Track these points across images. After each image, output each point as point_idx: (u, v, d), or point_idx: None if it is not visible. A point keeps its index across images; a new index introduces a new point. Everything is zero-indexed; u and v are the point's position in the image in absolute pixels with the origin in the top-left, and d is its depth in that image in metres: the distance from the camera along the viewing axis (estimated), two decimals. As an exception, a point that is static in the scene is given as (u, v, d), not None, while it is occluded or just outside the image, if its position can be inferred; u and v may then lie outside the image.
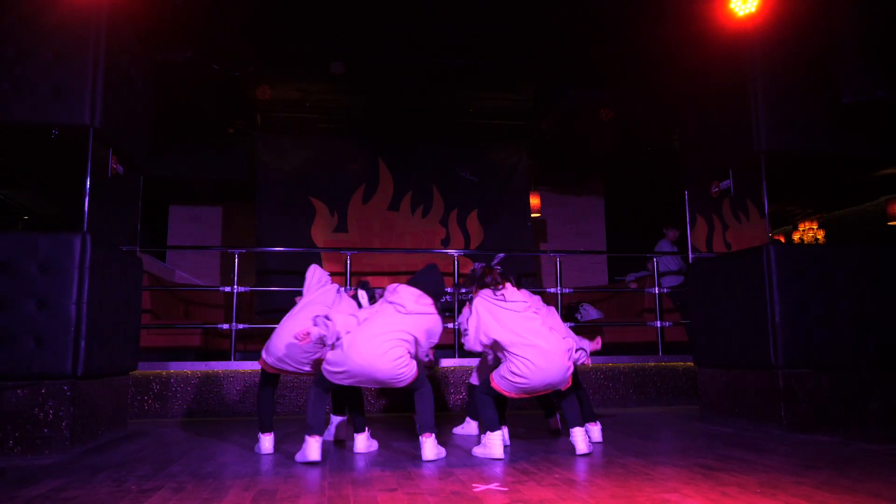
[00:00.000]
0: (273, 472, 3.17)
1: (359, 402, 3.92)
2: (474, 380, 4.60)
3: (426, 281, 3.76)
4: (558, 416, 4.63)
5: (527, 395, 3.70)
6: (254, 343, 7.34)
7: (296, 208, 8.36)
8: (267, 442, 3.78)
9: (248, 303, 7.75)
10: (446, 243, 8.68)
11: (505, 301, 3.71)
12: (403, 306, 3.59)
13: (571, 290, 7.14)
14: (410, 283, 3.74)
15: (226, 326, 6.06)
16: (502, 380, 3.63)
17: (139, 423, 5.19)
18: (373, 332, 3.48)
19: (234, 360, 5.84)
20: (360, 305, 3.99)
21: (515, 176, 8.98)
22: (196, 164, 8.63)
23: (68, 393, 3.80)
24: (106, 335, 4.18)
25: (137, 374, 5.47)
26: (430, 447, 3.44)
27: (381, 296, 3.84)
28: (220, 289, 6.71)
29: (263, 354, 3.89)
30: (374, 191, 8.67)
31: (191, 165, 8.61)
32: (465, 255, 8.43)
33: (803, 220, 12.27)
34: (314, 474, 3.11)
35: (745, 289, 4.72)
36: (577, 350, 3.78)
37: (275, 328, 3.92)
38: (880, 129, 4.81)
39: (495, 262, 3.91)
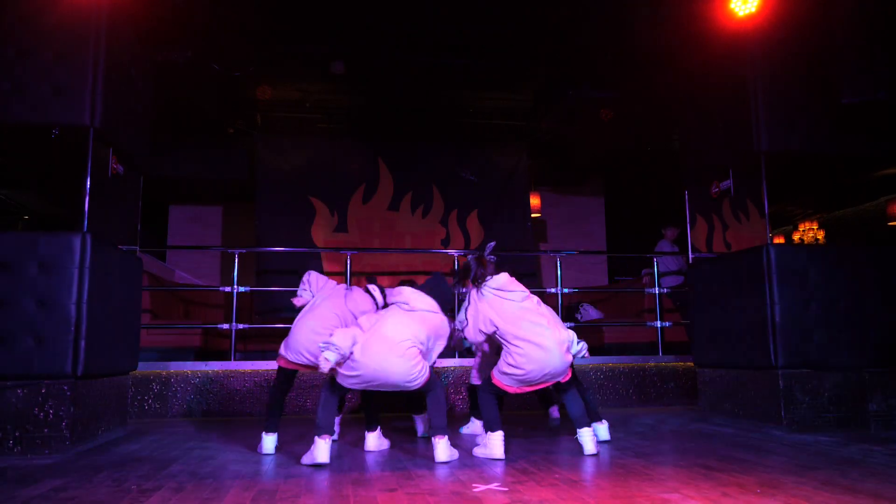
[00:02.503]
0: (273, 472, 3.17)
1: (371, 399, 3.92)
2: (475, 380, 4.60)
3: (432, 286, 3.78)
4: (556, 407, 4.63)
5: (528, 388, 3.68)
6: (254, 343, 7.34)
7: (296, 208, 8.37)
8: (269, 442, 3.75)
9: (248, 303, 7.75)
10: (446, 243, 8.68)
11: (504, 291, 3.70)
12: (408, 303, 3.60)
13: (571, 290, 7.14)
14: (417, 289, 3.74)
15: (226, 326, 6.06)
16: (502, 375, 3.63)
17: (139, 423, 5.19)
18: (384, 335, 3.44)
19: (234, 360, 5.84)
20: (374, 298, 4.00)
21: (515, 176, 8.99)
22: (196, 164, 8.64)
23: (68, 393, 3.80)
24: (106, 335, 4.18)
25: (137, 374, 5.47)
26: (443, 449, 3.41)
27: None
28: (220, 289, 6.71)
29: (282, 351, 3.92)
30: (374, 191, 8.68)
31: (191, 165, 8.63)
32: (464, 256, 8.44)
33: (803, 220, 12.28)
34: (314, 474, 3.11)
35: (745, 289, 4.72)
36: (578, 342, 3.76)
37: (290, 327, 3.96)
38: (880, 129, 4.81)
39: (487, 251, 3.87)
